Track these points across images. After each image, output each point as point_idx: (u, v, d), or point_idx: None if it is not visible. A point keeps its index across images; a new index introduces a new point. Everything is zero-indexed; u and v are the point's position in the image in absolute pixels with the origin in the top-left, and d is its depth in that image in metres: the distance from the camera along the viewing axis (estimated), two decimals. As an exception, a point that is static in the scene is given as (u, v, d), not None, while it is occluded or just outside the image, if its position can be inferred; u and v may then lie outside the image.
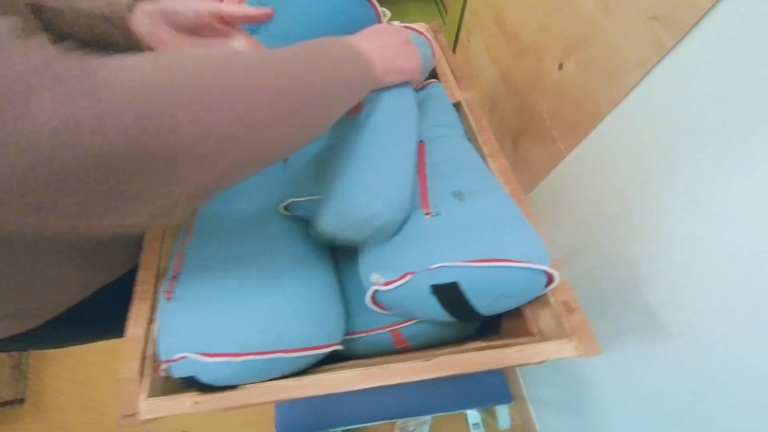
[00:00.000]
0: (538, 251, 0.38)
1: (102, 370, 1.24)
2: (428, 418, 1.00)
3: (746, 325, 0.41)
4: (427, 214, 0.39)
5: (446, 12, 0.98)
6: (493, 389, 0.72)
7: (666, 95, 0.45)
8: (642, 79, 0.48)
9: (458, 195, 0.40)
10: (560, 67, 0.59)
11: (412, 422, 1.01)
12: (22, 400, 1.18)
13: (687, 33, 0.40)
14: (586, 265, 0.67)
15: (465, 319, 0.42)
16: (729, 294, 0.42)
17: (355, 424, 0.69)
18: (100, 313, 0.47)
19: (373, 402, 0.70)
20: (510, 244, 0.38)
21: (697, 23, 0.39)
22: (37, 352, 1.26)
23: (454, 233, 0.38)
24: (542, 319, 0.46)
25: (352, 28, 0.48)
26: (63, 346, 0.50)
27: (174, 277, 0.38)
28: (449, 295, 0.38)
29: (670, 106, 0.45)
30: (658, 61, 0.44)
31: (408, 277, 0.37)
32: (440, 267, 0.36)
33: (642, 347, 0.58)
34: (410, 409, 0.70)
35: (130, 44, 0.36)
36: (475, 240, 0.38)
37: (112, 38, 0.36)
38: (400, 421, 1.02)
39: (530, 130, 0.76)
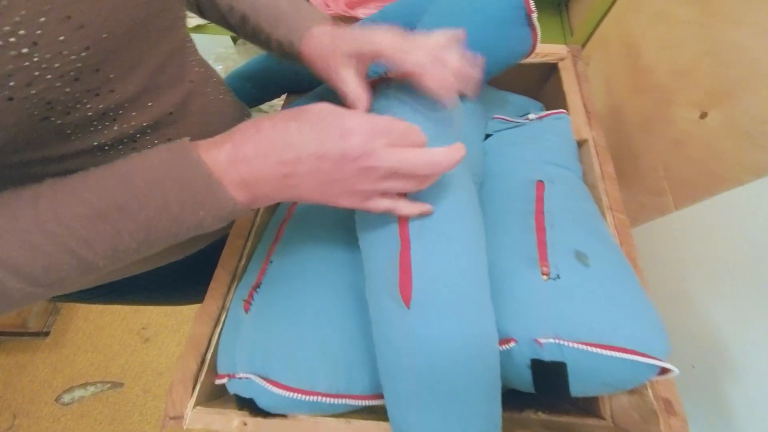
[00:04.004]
0: (659, 340, 0.32)
1: (122, 320, 1.27)
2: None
3: None
4: (544, 274, 0.33)
5: (571, 33, 0.88)
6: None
7: None
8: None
9: (582, 257, 0.34)
10: (703, 116, 0.50)
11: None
12: (47, 334, 1.22)
13: None
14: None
15: (549, 395, 0.37)
16: None
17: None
18: (173, 282, 0.49)
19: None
20: (633, 328, 0.32)
21: None
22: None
23: (572, 304, 0.32)
24: (620, 404, 0.40)
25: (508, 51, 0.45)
26: (126, 303, 0.51)
27: (255, 286, 0.35)
28: (550, 373, 0.32)
29: None
30: None
31: (511, 344, 0.32)
32: (552, 342, 0.31)
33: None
34: None
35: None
36: (595, 317, 0.32)
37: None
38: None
39: (628, 173, 0.68)
